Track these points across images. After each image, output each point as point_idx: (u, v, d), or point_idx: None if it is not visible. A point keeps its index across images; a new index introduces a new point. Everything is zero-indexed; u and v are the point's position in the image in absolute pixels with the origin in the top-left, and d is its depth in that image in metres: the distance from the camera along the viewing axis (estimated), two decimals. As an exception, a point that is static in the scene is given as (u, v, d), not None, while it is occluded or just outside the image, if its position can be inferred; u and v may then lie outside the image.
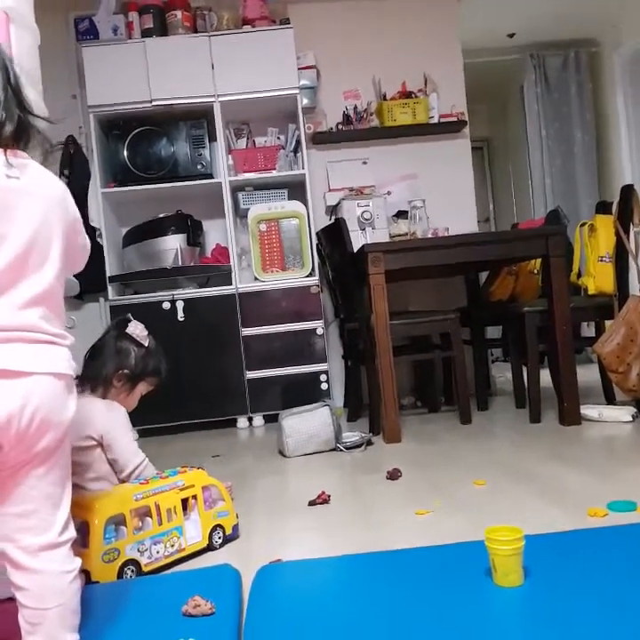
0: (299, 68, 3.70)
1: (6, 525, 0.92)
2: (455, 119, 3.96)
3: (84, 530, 1.44)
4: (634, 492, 1.75)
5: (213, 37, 3.61)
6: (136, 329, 1.89)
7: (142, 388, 1.91)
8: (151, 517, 1.52)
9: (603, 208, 3.16)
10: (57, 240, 0.99)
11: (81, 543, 1.43)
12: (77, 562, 0.98)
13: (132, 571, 1.46)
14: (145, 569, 1.48)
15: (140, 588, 1.38)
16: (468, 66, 4.18)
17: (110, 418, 1.77)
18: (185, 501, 1.61)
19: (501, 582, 1.16)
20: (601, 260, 2.99)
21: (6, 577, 0.93)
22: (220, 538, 1.65)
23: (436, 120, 3.93)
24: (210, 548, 1.63)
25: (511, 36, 5.17)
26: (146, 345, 1.89)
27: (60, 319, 0.99)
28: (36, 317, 0.93)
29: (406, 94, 3.96)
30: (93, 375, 1.84)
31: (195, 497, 1.62)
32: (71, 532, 0.98)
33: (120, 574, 1.43)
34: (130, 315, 1.95)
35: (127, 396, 1.88)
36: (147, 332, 1.91)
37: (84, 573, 1.37)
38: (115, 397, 1.85)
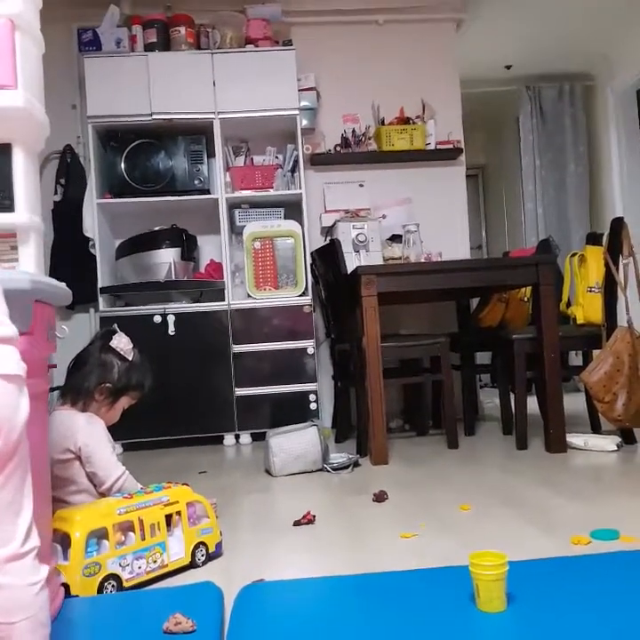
0: (299, 90, 3.75)
1: None
2: (451, 146, 4.01)
3: (65, 543, 1.43)
4: (617, 521, 1.75)
5: (216, 55, 3.65)
6: (120, 342, 1.86)
7: (124, 402, 1.90)
8: (134, 532, 1.51)
9: (593, 239, 3.20)
10: None
11: (62, 556, 1.42)
12: (44, 571, 0.94)
13: (113, 585, 1.44)
14: (126, 584, 1.47)
15: (121, 604, 1.37)
16: (466, 95, 4.25)
17: (89, 431, 1.75)
18: (169, 517, 1.59)
19: (484, 608, 1.16)
20: (590, 291, 3.02)
21: None
22: (203, 555, 1.64)
23: (432, 146, 3.98)
24: (192, 565, 1.61)
25: (508, 67, 5.27)
26: (130, 359, 1.87)
27: (2, 313, 0.94)
28: None
29: (404, 120, 4.01)
30: (75, 387, 1.82)
31: (179, 513, 1.61)
32: (34, 541, 0.94)
33: (100, 589, 1.41)
34: (116, 326, 1.93)
35: (108, 410, 1.86)
36: (131, 346, 1.89)
37: (64, 586, 1.36)
38: (96, 411, 1.84)
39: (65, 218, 3.76)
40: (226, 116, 3.66)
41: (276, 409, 3.54)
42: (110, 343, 1.85)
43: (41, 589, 0.92)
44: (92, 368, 1.83)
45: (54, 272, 3.53)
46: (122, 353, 1.85)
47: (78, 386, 1.81)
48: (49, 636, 0.93)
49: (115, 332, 1.90)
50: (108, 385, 1.83)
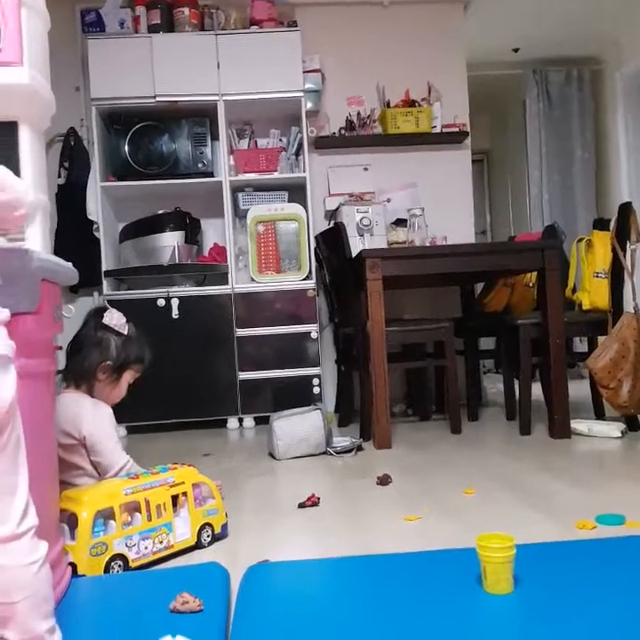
0: (304, 72, 3.71)
1: None
2: (457, 130, 3.98)
3: (72, 523, 1.43)
4: (621, 507, 1.75)
5: (220, 36, 3.61)
6: (113, 318, 1.84)
7: (128, 377, 1.88)
8: (140, 513, 1.51)
9: (600, 225, 3.18)
10: None
11: (69, 536, 1.43)
12: (43, 549, 0.94)
13: (120, 565, 1.45)
14: (132, 564, 1.47)
15: (128, 583, 1.37)
16: (472, 78, 4.20)
17: (94, 420, 1.74)
18: (175, 498, 1.60)
19: (491, 590, 1.16)
20: (596, 276, 3.01)
21: None
22: (208, 536, 1.64)
23: (438, 129, 3.95)
24: (198, 546, 1.62)
25: (516, 50, 5.21)
26: (125, 333, 1.86)
27: None
28: None
29: (410, 103, 3.98)
30: (76, 369, 1.81)
31: (185, 494, 1.61)
32: (31, 521, 0.93)
33: (107, 569, 1.42)
34: (106, 303, 1.91)
35: (114, 387, 1.85)
36: (125, 320, 1.86)
37: (71, 566, 1.37)
38: (102, 390, 1.83)
39: (69, 201, 3.75)
40: (230, 98, 3.63)
41: (280, 393, 3.55)
42: (103, 321, 1.84)
43: (41, 567, 0.92)
44: (90, 348, 1.82)
45: (58, 256, 3.51)
46: (116, 328, 1.84)
47: (79, 368, 1.80)
48: (53, 612, 0.93)
49: (106, 309, 1.88)
50: (108, 362, 1.82)
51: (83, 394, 1.81)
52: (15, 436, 0.93)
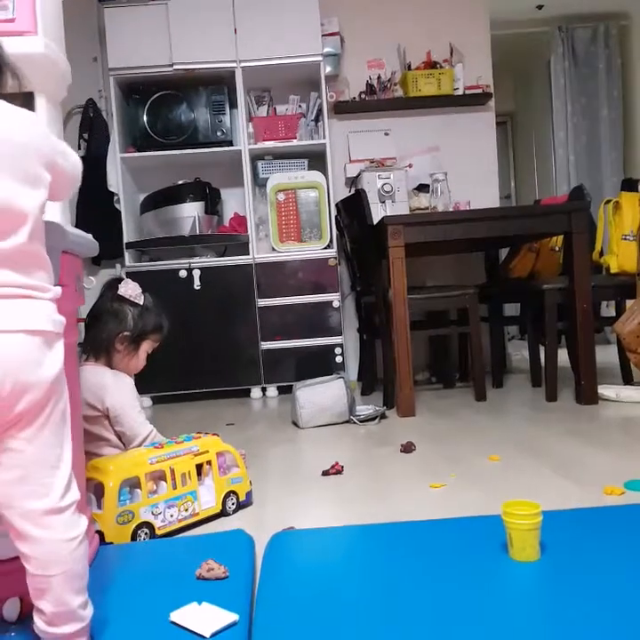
0: (322, 35, 3.63)
1: (4, 493, 0.88)
2: (480, 91, 3.88)
3: (98, 492, 1.45)
4: (651, 473, 1.73)
5: (236, 1, 3.54)
6: (128, 289, 1.85)
7: (147, 347, 1.89)
8: (166, 481, 1.52)
9: (628, 185, 3.10)
10: (33, 187, 0.91)
11: (96, 505, 1.45)
12: (83, 525, 0.94)
13: (146, 533, 1.47)
14: (158, 532, 1.49)
15: (154, 551, 1.39)
16: (494, 38, 4.07)
17: (116, 391, 1.76)
18: (199, 467, 1.61)
19: (517, 557, 1.15)
20: (625, 239, 2.93)
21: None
22: (233, 504, 1.66)
23: (460, 91, 3.85)
24: (223, 513, 1.63)
25: (540, 7, 5.04)
26: (141, 303, 1.86)
27: (39, 268, 0.92)
28: (6, 271, 0.86)
29: (431, 64, 3.87)
30: (95, 341, 1.82)
31: (209, 462, 1.63)
32: (74, 495, 0.93)
33: (134, 536, 1.44)
34: (122, 273, 1.92)
35: (132, 358, 1.86)
36: (140, 290, 1.87)
37: (98, 534, 1.39)
38: (120, 361, 1.84)
39: (89, 173, 3.68)
40: (247, 64, 3.57)
41: (302, 362, 3.55)
42: (119, 292, 1.84)
43: (80, 543, 0.92)
44: (107, 320, 1.83)
45: (79, 228, 3.52)
46: (132, 299, 1.84)
47: (97, 340, 1.82)
48: (86, 586, 0.94)
49: (121, 281, 1.89)
50: (126, 333, 1.83)
51: (103, 365, 1.82)
52: (60, 410, 0.93)
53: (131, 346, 1.84)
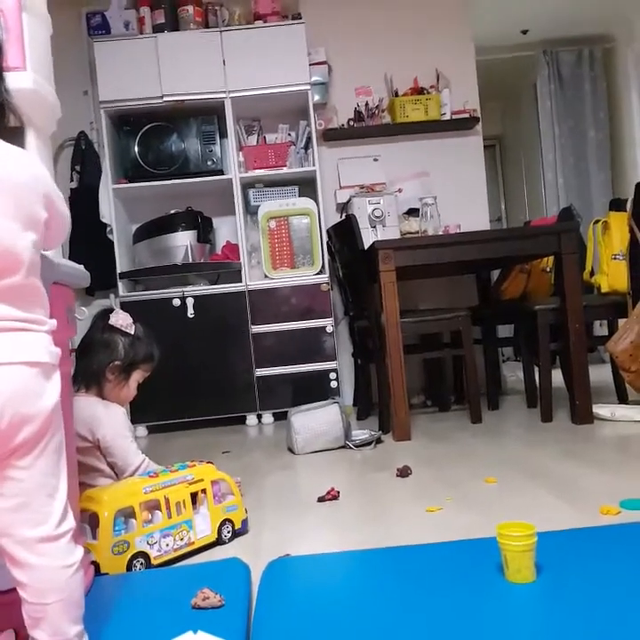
0: (310, 64, 3.68)
1: (1, 520, 0.89)
2: (467, 116, 3.94)
3: (93, 522, 1.44)
4: (647, 491, 1.73)
5: (225, 33, 3.61)
6: (119, 319, 1.85)
7: (138, 377, 1.89)
8: (161, 510, 1.52)
9: (616, 205, 3.14)
10: (33, 227, 0.93)
11: (91, 535, 1.44)
12: (79, 553, 0.94)
13: (142, 563, 1.45)
14: (154, 562, 1.48)
15: (150, 581, 1.38)
16: (481, 63, 4.15)
17: (108, 421, 1.75)
18: (194, 495, 1.60)
19: (513, 579, 1.15)
20: (614, 258, 2.96)
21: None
22: (229, 532, 1.64)
23: (448, 116, 3.91)
24: (219, 542, 1.62)
25: (524, 32, 5.15)
26: (132, 333, 1.86)
27: (36, 303, 0.93)
28: (5, 306, 0.88)
29: (418, 90, 3.94)
30: (86, 371, 1.82)
31: (204, 491, 1.62)
32: (70, 523, 0.94)
33: (129, 566, 1.43)
34: (116, 303, 1.93)
35: (123, 387, 1.86)
36: (131, 320, 1.88)
37: (94, 565, 1.37)
38: (111, 391, 1.84)
39: (82, 205, 3.76)
40: (237, 94, 3.62)
41: (297, 388, 3.54)
42: (109, 322, 1.85)
43: (75, 571, 0.92)
44: (98, 350, 1.83)
45: (73, 259, 3.53)
46: (123, 328, 1.85)
47: (88, 370, 1.82)
48: (82, 616, 0.94)
49: (111, 311, 1.89)
50: (116, 363, 1.83)
51: (94, 396, 1.82)
52: (57, 440, 0.94)
53: (121, 375, 1.84)
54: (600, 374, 3.38)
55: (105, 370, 1.82)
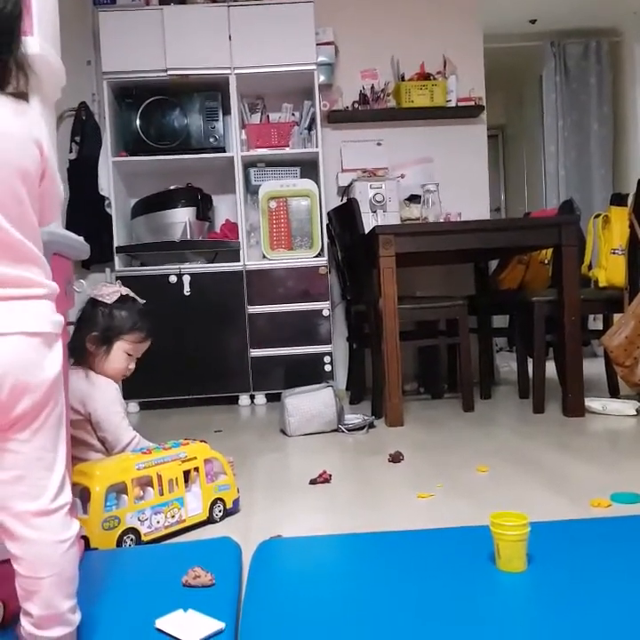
0: (317, 44, 3.64)
1: None
2: (473, 103, 3.90)
3: (85, 496, 1.44)
4: (637, 484, 1.74)
5: (232, 8, 3.55)
6: (100, 290, 1.85)
7: (123, 347, 1.84)
8: (152, 487, 1.51)
9: (618, 200, 3.13)
10: (16, 186, 0.89)
11: (82, 510, 1.43)
12: (74, 528, 0.93)
13: (132, 539, 1.45)
14: (144, 538, 1.48)
15: (140, 557, 1.38)
16: (487, 51, 4.11)
17: (99, 395, 1.74)
18: (187, 473, 1.60)
19: (505, 568, 1.15)
20: (613, 253, 2.96)
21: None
22: (220, 511, 1.65)
23: (453, 103, 3.87)
24: (210, 520, 1.62)
25: (533, 22, 5.10)
26: (110, 302, 1.83)
27: (29, 260, 0.89)
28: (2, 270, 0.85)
29: (425, 76, 3.90)
30: (71, 346, 1.81)
31: (197, 469, 1.62)
32: (66, 497, 0.93)
33: (119, 542, 1.43)
34: (112, 277, 1.91)
35: (107, 359, 1.82)
36: (112, 290, 1.85)
37: (84, 539, 1.37)
38: (98, 363, 1.81)
39: (80, 177, 3.72)
40: (242, 71, 3.57)
41: (291, 370, 3.54)
42: (90, 295, 1.84)
43: (70, 546, 0.92)
44: (80, 323, 1.83)
45: (70, 230, 3.50)
46: (101, 299, 1.83)
47: (73, 344, 1.80)
48: (76, 591, 0.93)
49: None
50: (94, 333, 1.81)
51: (85, 369, 1.80)
52: (57, 413, 0.93)
53: (102, 346, 1.81)
54: (593, 368, 3.40)
55: (85, 341, 1.80)
